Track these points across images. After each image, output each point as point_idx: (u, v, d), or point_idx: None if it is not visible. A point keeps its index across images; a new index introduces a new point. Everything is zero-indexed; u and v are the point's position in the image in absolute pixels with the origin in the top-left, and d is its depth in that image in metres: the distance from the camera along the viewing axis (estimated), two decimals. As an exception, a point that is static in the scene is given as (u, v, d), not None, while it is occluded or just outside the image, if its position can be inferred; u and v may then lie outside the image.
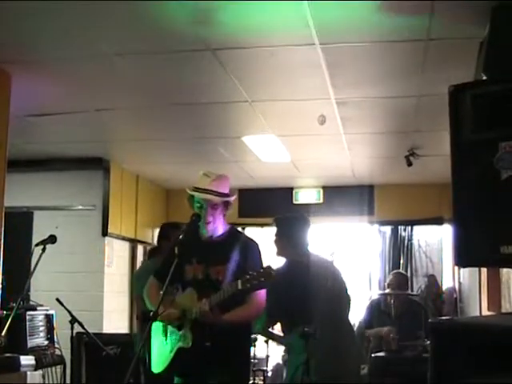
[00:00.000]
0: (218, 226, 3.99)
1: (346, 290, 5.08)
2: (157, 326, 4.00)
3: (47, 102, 5.78)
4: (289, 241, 4.93)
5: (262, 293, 3.90)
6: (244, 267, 3.81)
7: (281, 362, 7.49)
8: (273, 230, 5.03)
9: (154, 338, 4.07)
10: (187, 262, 3.95)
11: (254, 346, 7.16)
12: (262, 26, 4.16)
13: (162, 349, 4.00)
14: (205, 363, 3.77)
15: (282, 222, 5.06)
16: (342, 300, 4.99)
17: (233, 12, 3.97)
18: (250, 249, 3.99)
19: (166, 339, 3.97)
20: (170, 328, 3.96)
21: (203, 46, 4.43)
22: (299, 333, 4.49)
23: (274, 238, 4.99)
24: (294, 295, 4.59)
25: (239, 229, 4.84)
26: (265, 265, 3.87)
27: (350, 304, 5.13)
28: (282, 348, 7.39)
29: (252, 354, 6.67)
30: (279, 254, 4.98)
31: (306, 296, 4.57)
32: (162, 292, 3.61)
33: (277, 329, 5.31)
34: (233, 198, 4.01)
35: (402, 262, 9.75)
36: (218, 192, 3.92)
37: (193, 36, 4.29)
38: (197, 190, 3.94)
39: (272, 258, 4.87)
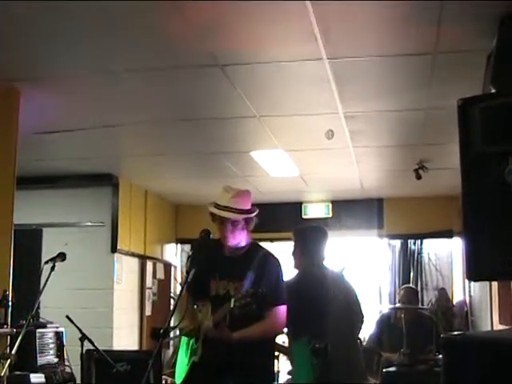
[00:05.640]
0: (240, 242, 3.98)
1: (359, 306, 5.04)
2: (183, 338, 4.05)
3: (56, 118, 5.80)
4: (303, 251, 4.90)
5: (283, 309, 3.87)
6: (259, 283, 3.80)
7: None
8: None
9: (180, 349, 4.12)
10: (212, 277, 3.98)
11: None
12: (270, 41, 4.16)
13: (182, 361, 4.04)
14: (215, 377, 3.77)
15: (298, 232, 5.03)
16: (352, 315, 4.95)
17: (241, 27, 3.98)
18: (268, 264, 3.95)
19: (187, 351, 4.00)
20: (191, 340, 4.00)
21: (212, 61, 4.44)
22: (309, 348, 4.45)
23: (292, 249, 4.97)
24: (303, 304, 4.55)
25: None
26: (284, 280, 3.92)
27: (362, 321, 5.09)
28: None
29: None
30: (295, 265, 4.94)
31: (316, 307, 4.54)
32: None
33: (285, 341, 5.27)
34: (253, 214, 3.97)
35: (412, 275, 9.70)
36: (238, 209, 3.90)
37: (202, 52, 4.30)
38: (217, 206, 3.94)
39: (289, 271, 4.87)
